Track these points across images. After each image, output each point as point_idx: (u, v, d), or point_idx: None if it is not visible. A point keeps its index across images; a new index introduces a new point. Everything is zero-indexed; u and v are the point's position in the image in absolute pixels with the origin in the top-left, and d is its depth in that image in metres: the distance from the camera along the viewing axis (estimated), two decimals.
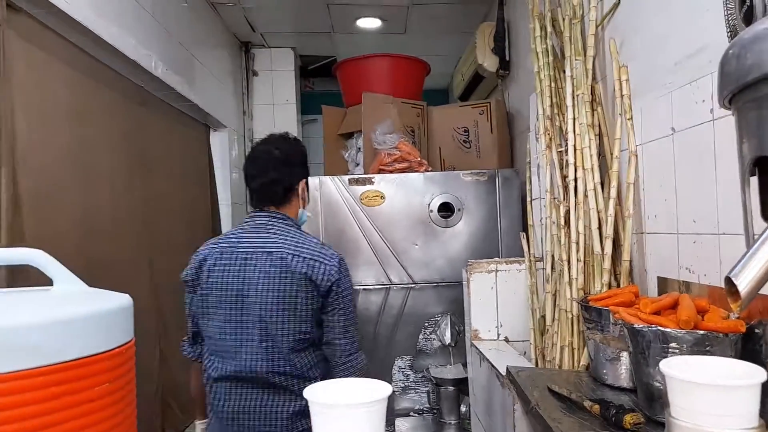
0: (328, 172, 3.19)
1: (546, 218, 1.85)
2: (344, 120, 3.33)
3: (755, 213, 0.77)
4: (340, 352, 1.58)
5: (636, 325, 1.04)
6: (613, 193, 1.54)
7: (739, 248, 0.74)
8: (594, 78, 1.72)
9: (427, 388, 2.63)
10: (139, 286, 2.22)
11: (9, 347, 0.70)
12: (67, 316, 0.77)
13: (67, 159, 1.82)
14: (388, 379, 2.66)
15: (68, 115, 1.85)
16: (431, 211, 2.69)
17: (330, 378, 1.55)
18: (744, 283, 0.68)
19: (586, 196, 1.63)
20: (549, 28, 1.91)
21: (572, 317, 1.62)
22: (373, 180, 2.70)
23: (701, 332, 0.97)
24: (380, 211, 2.69)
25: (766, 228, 0.70)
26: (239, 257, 1.55)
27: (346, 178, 2.71)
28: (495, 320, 2.07)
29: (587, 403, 1.09)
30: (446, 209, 2.70)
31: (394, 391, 1.96)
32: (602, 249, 1.55)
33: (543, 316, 1.82)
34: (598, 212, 1.59)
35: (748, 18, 0.89)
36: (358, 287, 2.61)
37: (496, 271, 2.08)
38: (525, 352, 1.98)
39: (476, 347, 1.99)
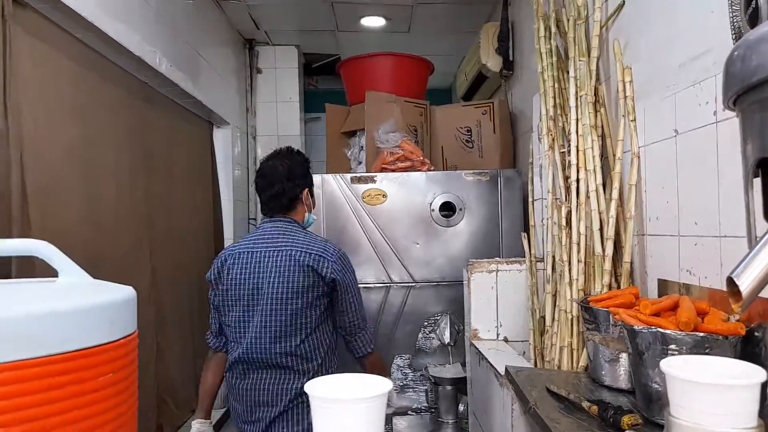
0: (330, 170, 3.18)
1: (547, 219, 1.85)
2: (347, 118, 3.34)
3: (758, 214, 0.77)
4: (352, 328, 1.88)
5: (635, 327, 1.04)
6: (615, 194, 1.54)
7: (740, 251, 0.74)
8: (597, 79, 1.72)
9: (426, 387, 2.63)
10: (140, 280, 2.22)
11: (15, 337, 0.70)
12: (73, 306, 0.78)
13: (72, 154, 1.83)
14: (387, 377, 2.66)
15: (73, 111, 1.85)
16: (433, 210, 2.69)
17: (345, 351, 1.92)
18: (746, 284, 0.68)
19: (588, 197, 1.63)
20: (553, 29, 1.91)
21: (572, 318, 1.63)
22: (375, 178, 2.71)
23: (701, 334, 0.97)
24: (382, 210, 2.69)
25: None
26: (254, 256, 1.81)
27: (348, 176, 2.72)
28: (495, 320, 2.07)
29: (585, 404, 1.09)
30: (448, 209, 2.70)
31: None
32: (603, 250, 1.56)
33: (543, 317, 1.83)
34: (600, 213, 1.60)
35: (754, 20, 0.90)
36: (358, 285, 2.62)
37: (497, 271, 2.09)
38: (524, 353, 1.98)
39: (475, 347, 2.00)
